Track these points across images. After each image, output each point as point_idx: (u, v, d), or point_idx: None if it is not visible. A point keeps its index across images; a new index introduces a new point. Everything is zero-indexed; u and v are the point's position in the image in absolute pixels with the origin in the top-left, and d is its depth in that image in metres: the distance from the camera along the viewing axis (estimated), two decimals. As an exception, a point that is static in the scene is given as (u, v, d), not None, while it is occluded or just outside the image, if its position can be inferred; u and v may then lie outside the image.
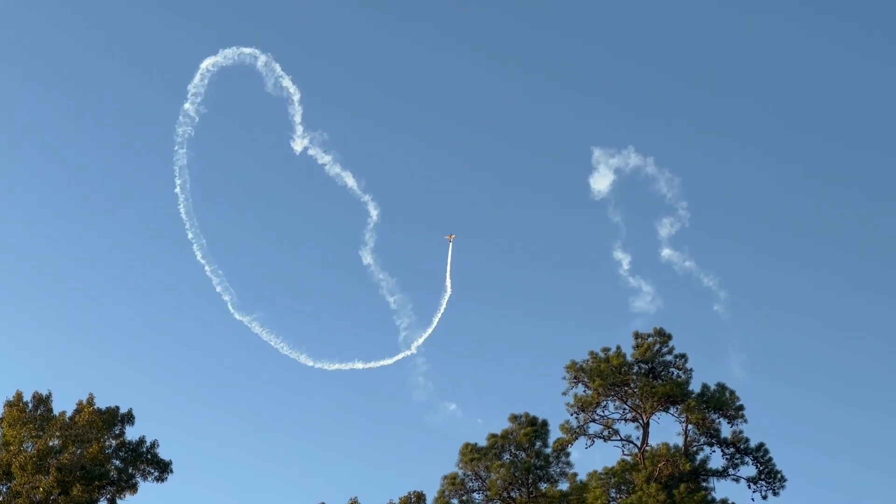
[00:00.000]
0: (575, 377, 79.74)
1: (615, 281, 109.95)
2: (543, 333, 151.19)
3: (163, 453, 74.52)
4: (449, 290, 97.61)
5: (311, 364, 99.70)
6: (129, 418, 74.22)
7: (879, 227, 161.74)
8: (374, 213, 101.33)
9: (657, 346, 79.85)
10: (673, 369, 79.85)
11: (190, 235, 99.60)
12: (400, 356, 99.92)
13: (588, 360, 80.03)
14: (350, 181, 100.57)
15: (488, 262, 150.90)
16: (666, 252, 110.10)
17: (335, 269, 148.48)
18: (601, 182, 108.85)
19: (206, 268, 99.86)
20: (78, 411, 73.40)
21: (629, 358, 79.79)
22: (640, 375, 79.31)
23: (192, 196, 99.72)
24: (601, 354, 80.00)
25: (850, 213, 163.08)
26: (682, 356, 79.95)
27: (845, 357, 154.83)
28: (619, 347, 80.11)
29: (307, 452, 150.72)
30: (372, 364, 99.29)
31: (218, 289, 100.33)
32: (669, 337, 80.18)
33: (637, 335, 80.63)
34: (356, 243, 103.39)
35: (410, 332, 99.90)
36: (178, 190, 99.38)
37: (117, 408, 74.07)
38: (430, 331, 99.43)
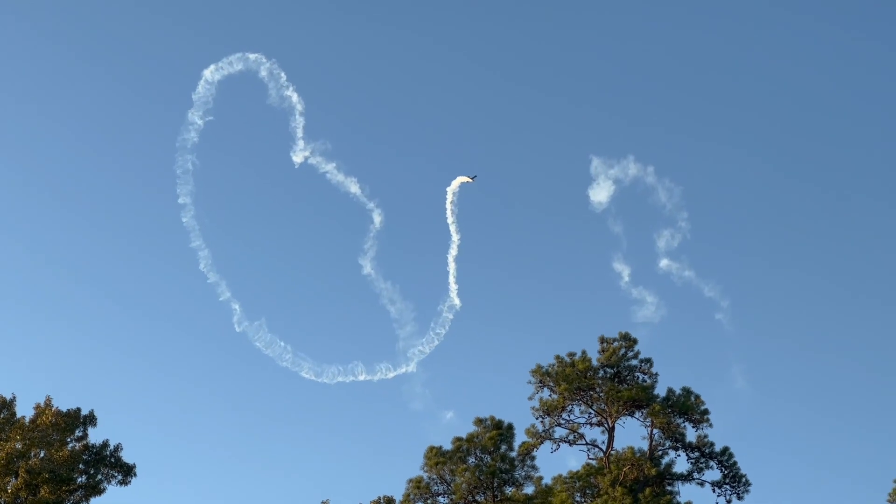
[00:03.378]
0: (540, 381, 79.72)
1: (616, 292, 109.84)
2: (542, 343, 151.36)
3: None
4: (457, 302, 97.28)
5: (312, 378, 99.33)
6: (91, 420, 73.61)
7: (881, 235, 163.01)
8: (377, 219, 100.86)
9: (623, 350, 79.95)
10: (638, 374, 79.96)
11: (193, 244, 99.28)
12: (402, 370, 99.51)
13: (554, 365, 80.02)
14: (354, 188, 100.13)
15: (489, 272, 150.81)
16: (668, 263, 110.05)
17: (337, 277, 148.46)
18: (600, 193, 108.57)
19: (209, 277, 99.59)
20: (38, 414, 72.78)
21: (595, 362, 79.84)
22: (606, 380, 79.35)
23: (195, 204, 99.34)
24: (567, 359, 80.00)
25: (852, 221, 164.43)
26: (648, 360, 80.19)
27: (846, 366, 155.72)
28: (584, 352, 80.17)
29: (296, 459, 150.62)
30: (372, 377, 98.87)
31: (221, 298, 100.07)
32: (635, 341, 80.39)
33: (603, 339, 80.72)
34: (358, 251, 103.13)
35: (413, 343, 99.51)
36: (181, 199, 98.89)
37: (79, 409, 73.47)
38: (434, 345, 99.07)
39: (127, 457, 74.47)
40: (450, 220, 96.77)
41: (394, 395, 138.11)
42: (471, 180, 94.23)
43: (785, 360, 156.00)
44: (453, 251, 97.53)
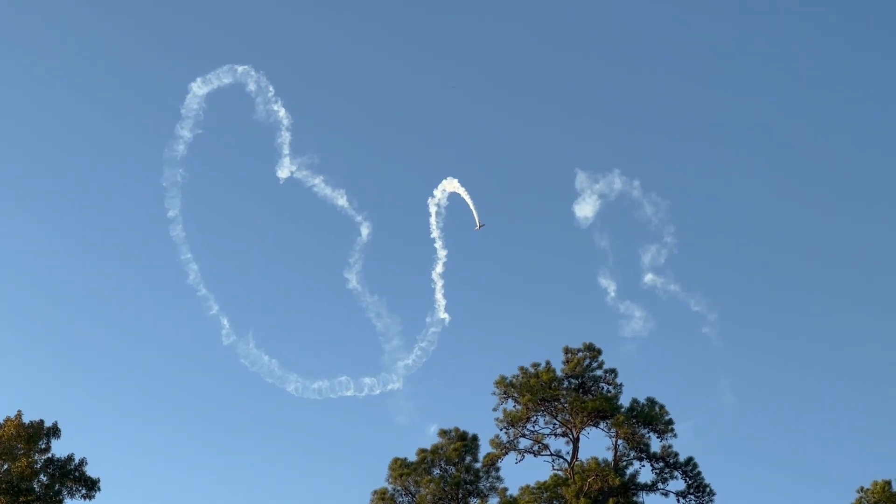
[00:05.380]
0: (504, 392, 79.86)
1: (602, 306, 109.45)
2: (528, 358, 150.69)
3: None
4: (444, 316, 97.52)
5: (298, 394, 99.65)
6: (54, 432, 73.62)
7: (870, 247, 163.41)
8: (364, 232, 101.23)
9: (587, 360, 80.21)
10: (603, 384, 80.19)
11: (182, 258, 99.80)
12: (389, 387, 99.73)
13: (518, 376, 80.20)
14: (342, 201, 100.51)
15: (475, 286, 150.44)
16: (654, 277, 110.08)
17: (324, 291, 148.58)
18: (586, 208, 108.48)
19: (199, 291, 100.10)
20: (2, 426, 72.83)
21: (559, 373, 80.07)
22: (570, 390, 79.58)
23: (183, 218, 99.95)
24: (531, 370, 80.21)
25: (841, 234, 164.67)
26: (612, 371, 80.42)
27: (834, 379, 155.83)
28: (548, 362, 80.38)
29: (274, 473, 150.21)
30: (359, 393, 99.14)
31: (211, 312, 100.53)
32: (599, 352, 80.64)
33: (567, 350, 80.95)
34: (345, 264, 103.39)
35: (399, 357, 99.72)
36: (170, 213, 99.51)
37: (42, 421, 73.54)
38: (422, 361, 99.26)
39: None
40: (434, 234, 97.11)
41: (378, 409, 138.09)
42: (479, 226, 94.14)
43: (772, 374, 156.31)
44: (439, 266, 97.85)
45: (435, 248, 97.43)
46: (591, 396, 79.39)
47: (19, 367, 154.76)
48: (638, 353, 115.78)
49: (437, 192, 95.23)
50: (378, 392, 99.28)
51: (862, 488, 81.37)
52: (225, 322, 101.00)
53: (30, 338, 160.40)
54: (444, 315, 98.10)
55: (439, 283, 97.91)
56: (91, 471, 74.35)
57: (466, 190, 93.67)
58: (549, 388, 79.14)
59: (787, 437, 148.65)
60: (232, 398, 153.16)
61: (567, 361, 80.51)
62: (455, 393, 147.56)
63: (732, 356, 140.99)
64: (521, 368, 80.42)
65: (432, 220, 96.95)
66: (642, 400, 79.46)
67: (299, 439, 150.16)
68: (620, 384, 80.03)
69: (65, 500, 72.92)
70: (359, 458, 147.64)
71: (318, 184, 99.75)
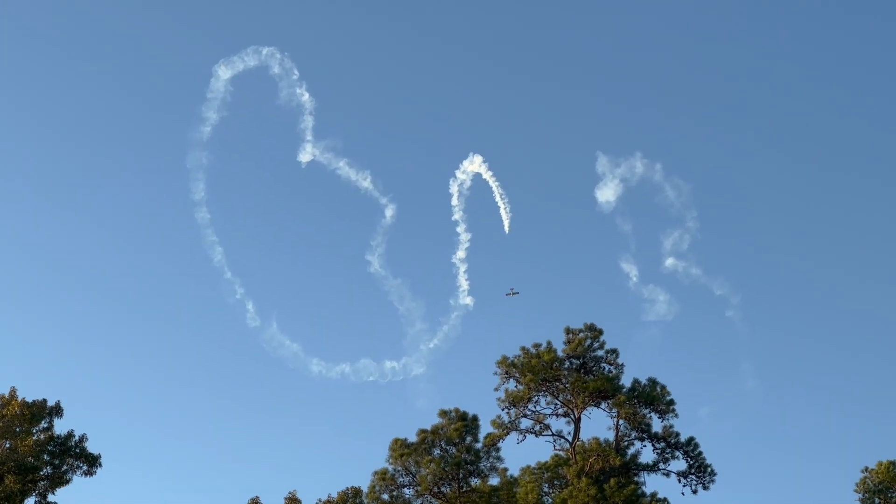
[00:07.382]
0: (506, 372, 79.92)
1: (625, 291, 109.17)
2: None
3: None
4: (467, 301, 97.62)
5: (321, 377, 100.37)
6: (57, 411, 74.49)
7: (893, 230, 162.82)
8: (389, 214, 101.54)
9: (588, 341, 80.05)
10: (604, 364, 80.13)
11: (208, 240, 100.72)
12: (412, 373, 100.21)
13: (519, 356, 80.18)
14: (366, 183, 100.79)
15: (498, 270, 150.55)
16: (677, 262, 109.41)
17: (348, 273, 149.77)
18: (608, 192, 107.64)
19: (225, 274, 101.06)
20: (4, 405, 73.65)
21: (560, 353, 79.99)
22: (572, 371, 79.55)
23: (208, 201, 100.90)
24: (532, 350, 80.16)
25: (863, 217, 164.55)
26: (614, 351, 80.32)
27: (858, 362, 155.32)
28: (549, 343, 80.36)
29: (289, 454, 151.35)
30: (382, 379, 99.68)
31: (237, 295, 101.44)
32: (600, 332, 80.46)
33: (568, 330, 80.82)
34: (369, 248, 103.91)
35: (422, 340, 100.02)
36: (195, 196, 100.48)
37: (45, 400, 74.38)
38: (445, 345, 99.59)
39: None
40: (457, 216, 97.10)
41: (399, 392, 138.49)
42: (512, 292, 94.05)
43: (795, 358, 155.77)
44: (462, 250, 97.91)
45: (458, 232, 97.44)
46: (592, 376, 79.33)
47: (47, 347, 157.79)
48: (661, 337, 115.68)
49: (460, 173, 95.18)
50: (401, 378, 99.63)
51: (867, 468, 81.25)
52: (250, 306, 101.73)
53: (57, 320, 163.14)
54: (467, 299, 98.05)
55: (462, 267, 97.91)
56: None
57: (498, 182, 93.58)
58: (551, 368, 79.12)
59: (807, 421, 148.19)
60: (257, 381, 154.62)
61: (568, 342, 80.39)
62: (476, 377, 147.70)
63: (755, 340, 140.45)
64: (523, 349, 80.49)
65: (454, 201, 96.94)
66: (644, 380, 79.36)
67: (319, 421, 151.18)
68: (622, 364, 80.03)
69: (71, 478, 73.78)
70: (378, 440, 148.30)
71: (342, 167, 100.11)
